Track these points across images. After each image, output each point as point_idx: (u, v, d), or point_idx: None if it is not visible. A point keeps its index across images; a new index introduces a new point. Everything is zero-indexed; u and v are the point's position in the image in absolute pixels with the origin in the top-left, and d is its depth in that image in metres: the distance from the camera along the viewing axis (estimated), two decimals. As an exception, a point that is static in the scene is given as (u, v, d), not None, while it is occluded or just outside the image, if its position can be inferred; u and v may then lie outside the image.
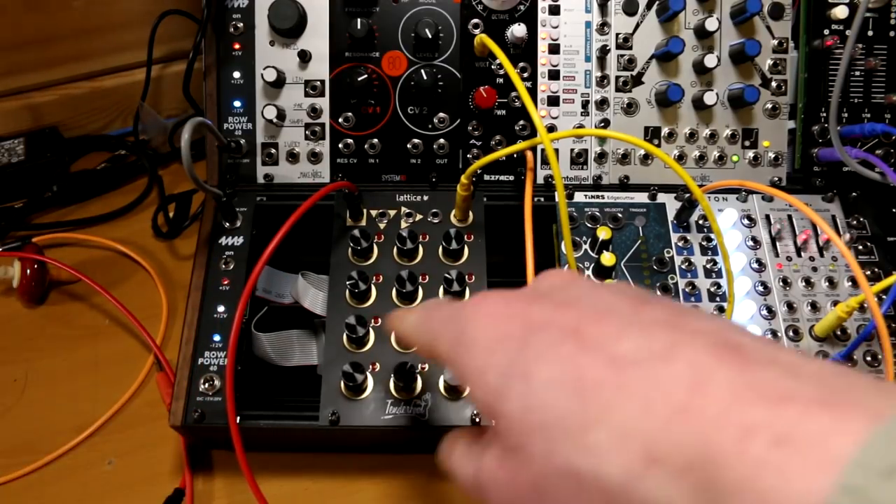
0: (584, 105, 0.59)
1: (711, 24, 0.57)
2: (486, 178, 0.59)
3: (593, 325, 0.24)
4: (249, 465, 0.44)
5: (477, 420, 0.47)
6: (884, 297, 0.50)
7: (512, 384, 0.24)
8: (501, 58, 0.50)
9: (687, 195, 0.56)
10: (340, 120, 0.59)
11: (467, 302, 0.29)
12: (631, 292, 0.27)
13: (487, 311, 0.27)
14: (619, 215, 0.56)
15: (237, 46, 0.59)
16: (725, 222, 0.57)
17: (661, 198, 0.58)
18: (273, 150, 0.59)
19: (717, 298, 0.53)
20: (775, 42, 0.59)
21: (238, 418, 0.47)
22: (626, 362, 0.22)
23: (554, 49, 0.59)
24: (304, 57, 0.58)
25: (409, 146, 0.59)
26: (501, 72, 0.58)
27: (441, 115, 0.59)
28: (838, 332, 0.53)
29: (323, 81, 0.58)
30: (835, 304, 0.53)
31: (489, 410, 0.26)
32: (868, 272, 0.55)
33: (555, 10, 0.59)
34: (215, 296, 0.53)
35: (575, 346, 0.24)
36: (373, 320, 0.51)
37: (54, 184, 0.68)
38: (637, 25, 0.59)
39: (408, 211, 0.56)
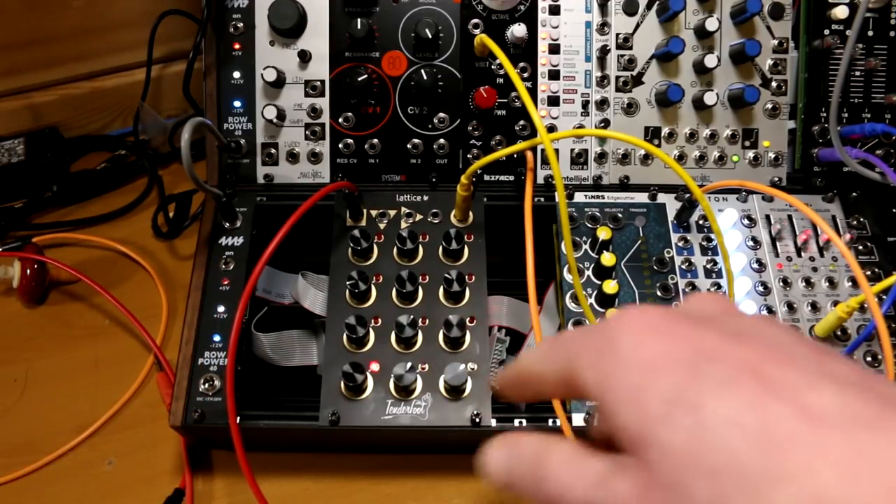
0: (584, 105, 0.59)
1: (711, 24, 0.57)
2: (486, 178, 0.59)
3: (777, 368, 0.21)
4: (249, 465, 0.44)
5: (477, 420, 0.47)
6: (884, 297, 0.50)
7: (678, 413, 0.21)
8: (501, 58, 0.50)
9: (687, 195, 0.56)
10: (340, 120, 0.59)
11: (614, 316, 0.25)
12: (803, 335, 0.24)
13: (647, 327, 0.24)
14: (620, 215, 0.56)
15: (237, 46, 0.59)
16: (725, 222, 0.57)
17: (662, 198, 0.58)
18: (273, 150, 0.59)
19: (718, 298, 0.53)
20: (775, 42, 0.59)
21: (238, 418, 0.47)
22: (822, 419, 0.19)
23: (554, 49, 0.59)
24: (304, 57, 0.58)
25: (409, 146, 0.59)
26: (501, 72, 0.58)
27: (441, 115, 0.59)
28: (838, 333, 0.53)
29: (323, 81, 0.58)
30: (835, 304, 0.53)
31: (639, 436, 0.22)
32: (868, 272, 0.55)
33: (555, 10, 0.59)
34: (215, 296, 0.53)
35: (758, 388, 0.20)
36: (373, 320, 0.51)
37: (54, 184, 0.68)
38: (637, 25, 0.59)
39: (408, 211, 0.56)
